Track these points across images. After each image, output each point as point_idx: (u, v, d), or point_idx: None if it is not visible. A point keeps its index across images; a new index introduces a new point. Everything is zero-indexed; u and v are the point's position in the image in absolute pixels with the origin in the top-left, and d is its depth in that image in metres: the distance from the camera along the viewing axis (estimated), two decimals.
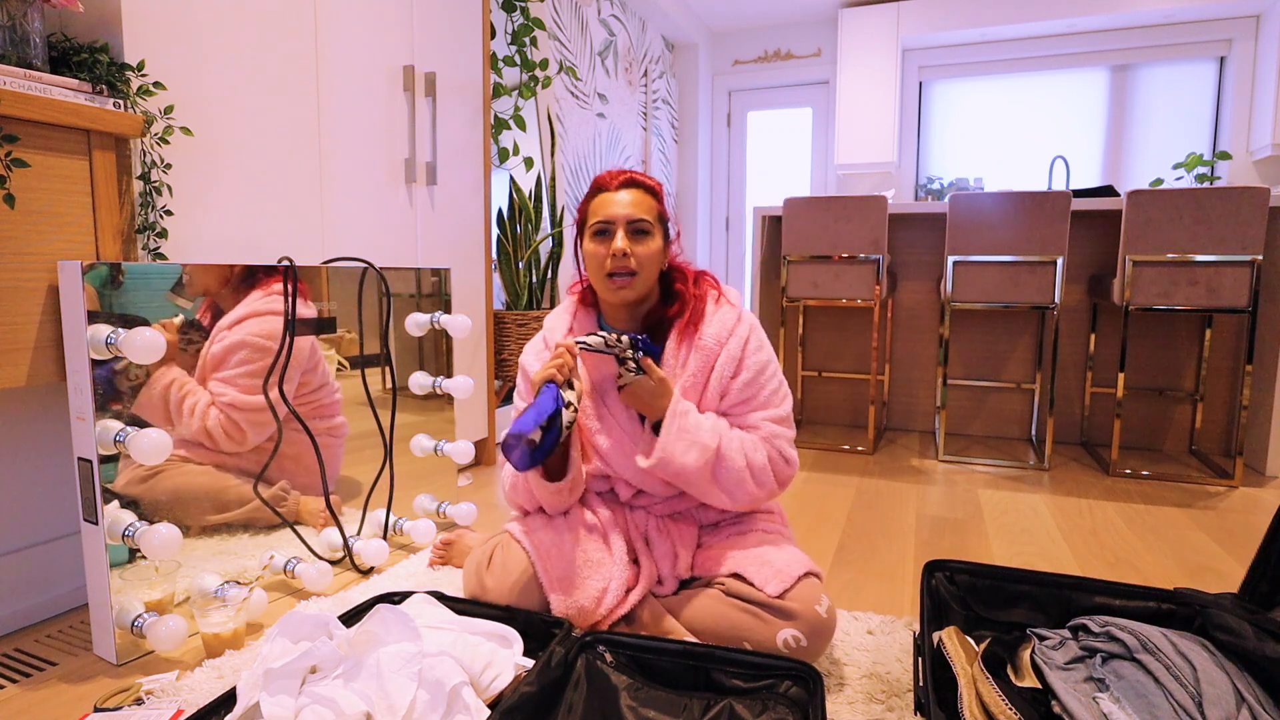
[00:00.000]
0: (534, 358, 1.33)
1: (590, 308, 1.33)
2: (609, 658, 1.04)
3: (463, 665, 0.97)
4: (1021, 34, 4.41)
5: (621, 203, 1.21)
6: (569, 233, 3.55)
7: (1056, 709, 0.90)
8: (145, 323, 1.21)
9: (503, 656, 1.02)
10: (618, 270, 1.19)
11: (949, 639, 1.03)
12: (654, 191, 1.26)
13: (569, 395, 1.10)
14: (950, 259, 2.46)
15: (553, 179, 2.90)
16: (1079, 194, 2.66)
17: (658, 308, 1.28)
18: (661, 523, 1.28)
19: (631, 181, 1.23)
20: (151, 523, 1.17)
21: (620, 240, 1.18)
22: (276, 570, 1.45)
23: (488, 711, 0.94)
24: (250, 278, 1.41)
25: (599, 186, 1.24)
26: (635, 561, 1.24)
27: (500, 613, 1.14)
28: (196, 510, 1.33)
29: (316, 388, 1.57)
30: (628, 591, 1.19)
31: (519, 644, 1.06)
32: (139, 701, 1.06)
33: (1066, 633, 1.06)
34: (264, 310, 1.43)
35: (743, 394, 1.23)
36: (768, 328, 2.94)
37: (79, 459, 1.15)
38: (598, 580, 1.17)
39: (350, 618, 1.14)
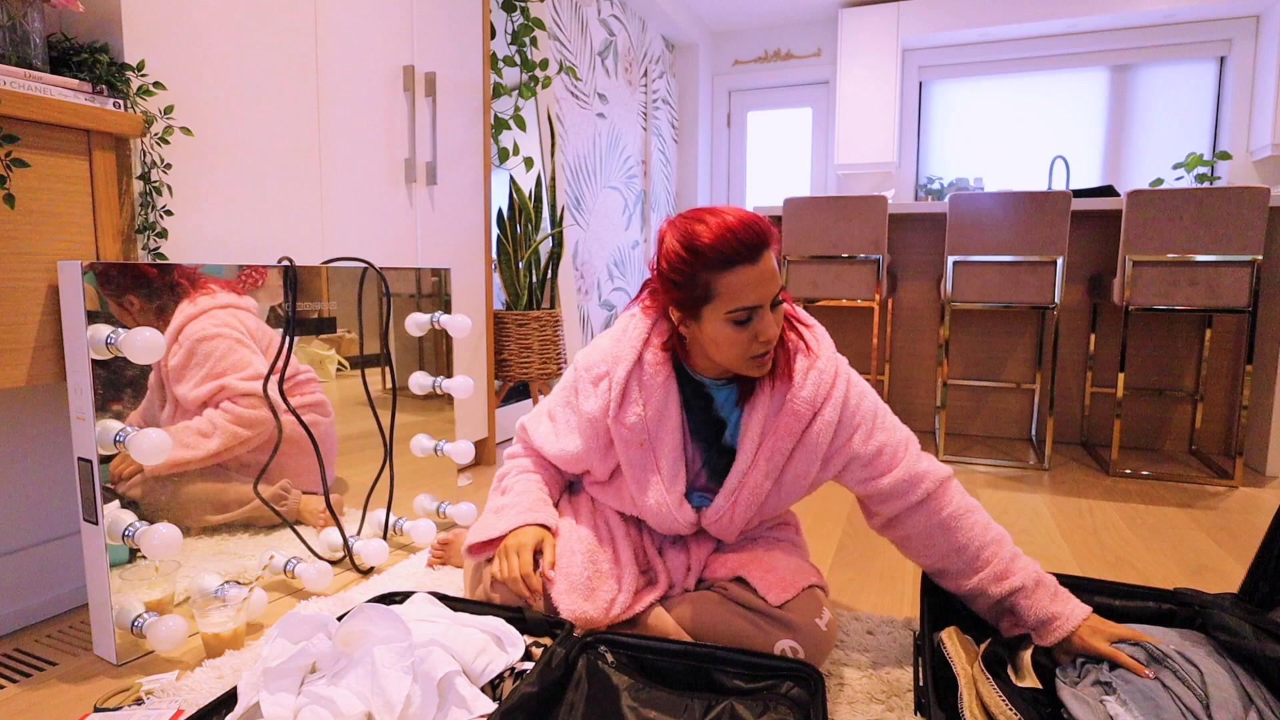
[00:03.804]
0: (591, 388, 1.17)
1: (668, 355, 1.13)
2: (610, 658, 1.04)
3: (454, 653, 0.97)
4: (1021, 34, 4.41)
5: (766, 279, 0.99)
6: (569, 233, 3.54)
7: (1065, 716, 0.90)
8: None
9: (496, 646, 1.02)
10: (765, 353, 1.04)
11: (949, 639, 1.03)
12: (772, 236, 1.02)
13: None
14: (950, 259, 2.46)
15: (553, 179, 2.90)
16: (1079, 194, 2.66)
17: None
18: (679, 539, 1.26)
19: (762, 240, 0.99)
20: (151, 523, 1.17)
21: (774, 327, 1.02)
22: (276, 570, 1.45)
23: (484, 699, 0.94)
24: (171, 294, 1.28)
25: (731, 258, 0.97)
26: (643, 571, 1.22)
27: (511, 613, 1.14)
28: (196, 510, 1.33)
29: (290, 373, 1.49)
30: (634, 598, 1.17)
31: (517, 647, 1.05)
32: (139, 701, 1.06)
33: None
34: (197, 312, 1.33)
35: (867, 457, 1.10)
36: None
37: (79, 459, 1.15)
38: (606, 591, 1.14)
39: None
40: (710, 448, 1.15)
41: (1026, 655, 1.02)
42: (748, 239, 0.97)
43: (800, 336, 1.13)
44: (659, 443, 1.13)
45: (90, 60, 1.22)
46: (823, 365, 1.11)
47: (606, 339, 1.19)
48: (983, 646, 1.02)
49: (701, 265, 0.99)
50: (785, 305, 1.09)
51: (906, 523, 1.13)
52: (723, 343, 1.03)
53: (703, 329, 1.04)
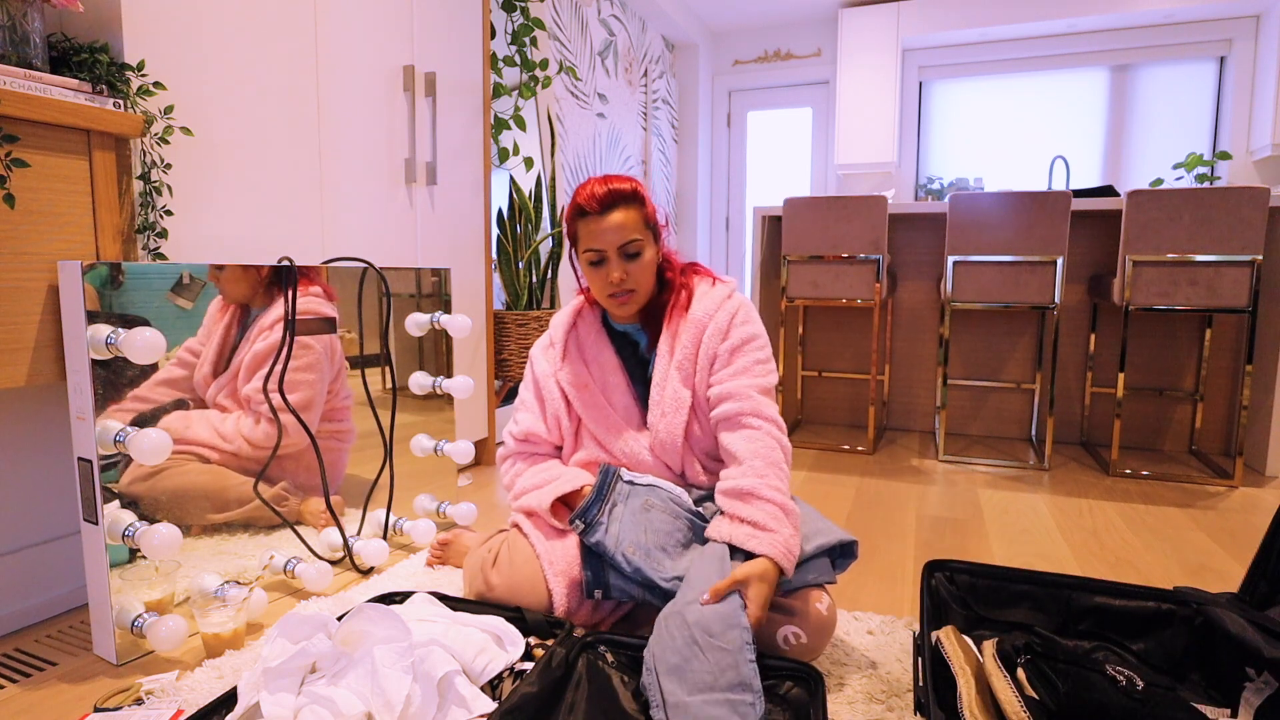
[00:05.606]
0: (541, 353, 1.39)
1: (595, 306, 1.38)
2: (610, 657, 1.04)
3: (453, 653, 0.97)
4: (1021, 34, 4.41)
5: (609, 229, 1.19)
6: None
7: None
8: (145, 323, 1.21)
9: (496, 645, 1.02)
10: (617, 292, 1.24)
11: (946, 638, 1.03)
12: (637, 199, 1.22)
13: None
14: (950, 259, 2.46)
15: (553, 179, 2.90)
16: (1079, 194, 2.66)
17: (655, 298, 1.32)
18: None
19: (613, 199, 1.19)
20: (152, 522, 1.17)
21: (616, 271, 1.21)
22: (276, 570, 1.45)
23: (484, 698, 0.94)
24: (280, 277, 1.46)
25: (581, 209, 1.21)
26: None
27: (510, 613, 1.14)
28: (196, 510, 1.33)
29: (335, 393, 1.60)
30: None
31: (517, 646, 1.06)
32: (139, 701, 1.06)
33: None
34: (304, 311, 1.50)
35: (727, 359, 1.23)
36: (768, 327, 2.94)
37: (79, 459, 1.15)
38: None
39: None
40: (645, 386, 1.32)
41: (1022, 675, 1.02)
42: (599, 197, 1.19)
43: (704, 275, 1.33)
44: (603, 384, 1.32)
45: (90, 60, 1.22)
46: (718, 290, 1.29)
47: (552, 321, 1.42)
48: (993, 642, 1.02)
49: (572, 213, 1.24)
50: (662, 257, 1.29)
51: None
52: (589, 280, 1.26)
53: (579, 265, 1.28)
